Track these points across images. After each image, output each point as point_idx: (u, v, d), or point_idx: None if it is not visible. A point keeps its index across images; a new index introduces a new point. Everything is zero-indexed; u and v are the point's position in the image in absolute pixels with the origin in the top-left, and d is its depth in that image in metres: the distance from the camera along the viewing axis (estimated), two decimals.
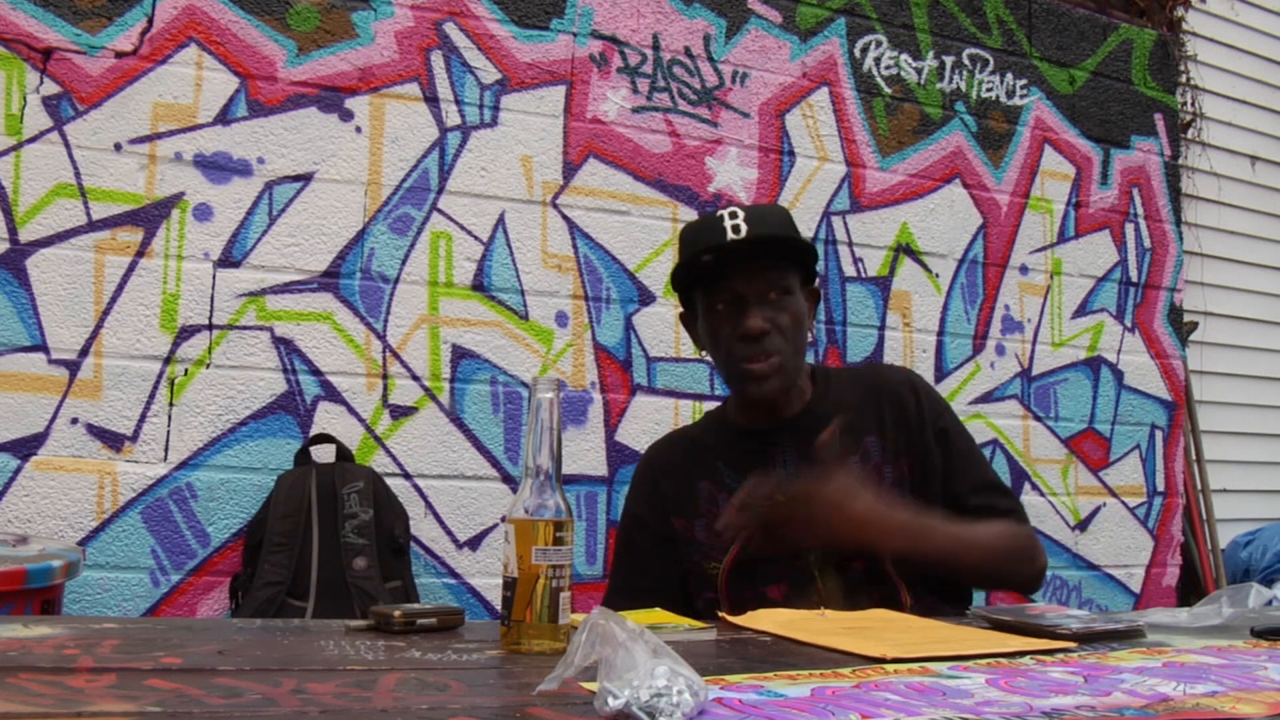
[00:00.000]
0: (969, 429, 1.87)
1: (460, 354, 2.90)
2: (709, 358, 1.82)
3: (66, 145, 2.58)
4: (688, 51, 3.23)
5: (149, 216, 2.64)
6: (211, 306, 2.68)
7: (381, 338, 2.83)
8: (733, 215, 1.68)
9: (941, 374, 3.51)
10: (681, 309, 1.85)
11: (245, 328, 2.70)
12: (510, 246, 2.98)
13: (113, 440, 2.58)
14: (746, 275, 1.67)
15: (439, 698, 0.93)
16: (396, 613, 1.28)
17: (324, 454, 2.70)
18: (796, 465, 1.70)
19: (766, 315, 1.67)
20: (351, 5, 2.85)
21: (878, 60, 3.51)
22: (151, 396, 2.61)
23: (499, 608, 1.19)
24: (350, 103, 2.83)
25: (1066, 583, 3.63)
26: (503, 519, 1.21)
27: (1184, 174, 4.13)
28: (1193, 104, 4.28)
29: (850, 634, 1.29)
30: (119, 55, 2.63)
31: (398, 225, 2.87)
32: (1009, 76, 3.72)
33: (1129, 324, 3.88)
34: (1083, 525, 3.71)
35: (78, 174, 2.59)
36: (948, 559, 1.64)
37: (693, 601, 1.74)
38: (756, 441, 1.75)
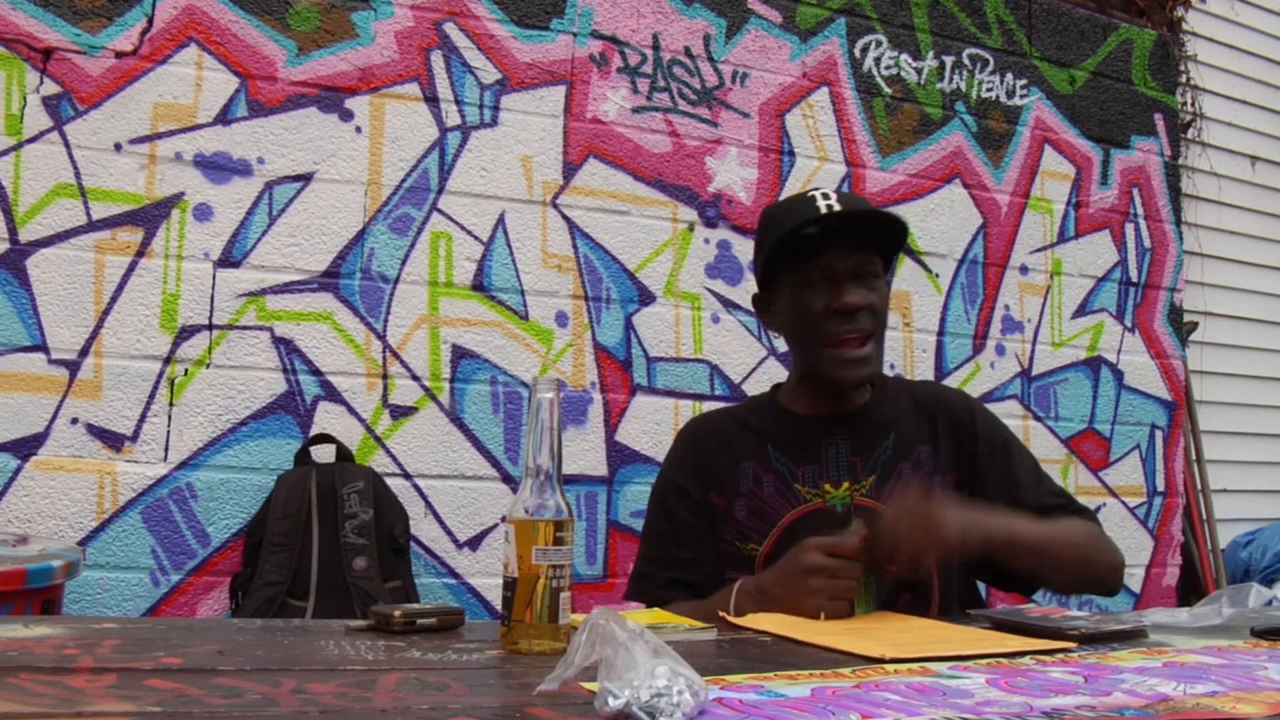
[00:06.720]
0: None
1: (460, 354, 2.90)
2: (779, 338, 1.77)
3: (66, 145, 2.58)
4: (688, 51, 3.23)
5: (149, 216, 2.64)
6: (211, 306, 2.68)
7: (381, 338, 2.83)
8: (825, 196, 1.67)
9: (941, 374, 3.51)
10: (757, 290, 1.81)
11: (245, 328, 2.70)
12: (510, 246, 2.98)
13: (113, 440, 2.57)
14: (843, 252, 1.66)
15: (439, 698, 0.92)
16: (396, 613, 1.28)
17: (324, 454, 2.70)
18: (846, 459, 1.71)
19: (861, 293, 1.66)
20: (351, 5, 2.84)
21: (878, 60, 3.51)
22: (151, 396, 2.61)
23: (499, 608, 1.19)
24: (350, 103, 2.83)
25: None
26: (503, 519, 1.21)
27: (1184, 174, 4.13)
28: (1193, 104, 4.28)
29: (850, 634, 1.29)
30: (119, 55, 2.63)
31: (398, 225, 2.87)
32: (1009, 76, 3.72)
33: (1129, 324, 3.88)
34: None
35: (78, 174, 2.59)
36: (1038, 551, 1.61)
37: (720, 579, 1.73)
38: (811, 430, 1.74)
